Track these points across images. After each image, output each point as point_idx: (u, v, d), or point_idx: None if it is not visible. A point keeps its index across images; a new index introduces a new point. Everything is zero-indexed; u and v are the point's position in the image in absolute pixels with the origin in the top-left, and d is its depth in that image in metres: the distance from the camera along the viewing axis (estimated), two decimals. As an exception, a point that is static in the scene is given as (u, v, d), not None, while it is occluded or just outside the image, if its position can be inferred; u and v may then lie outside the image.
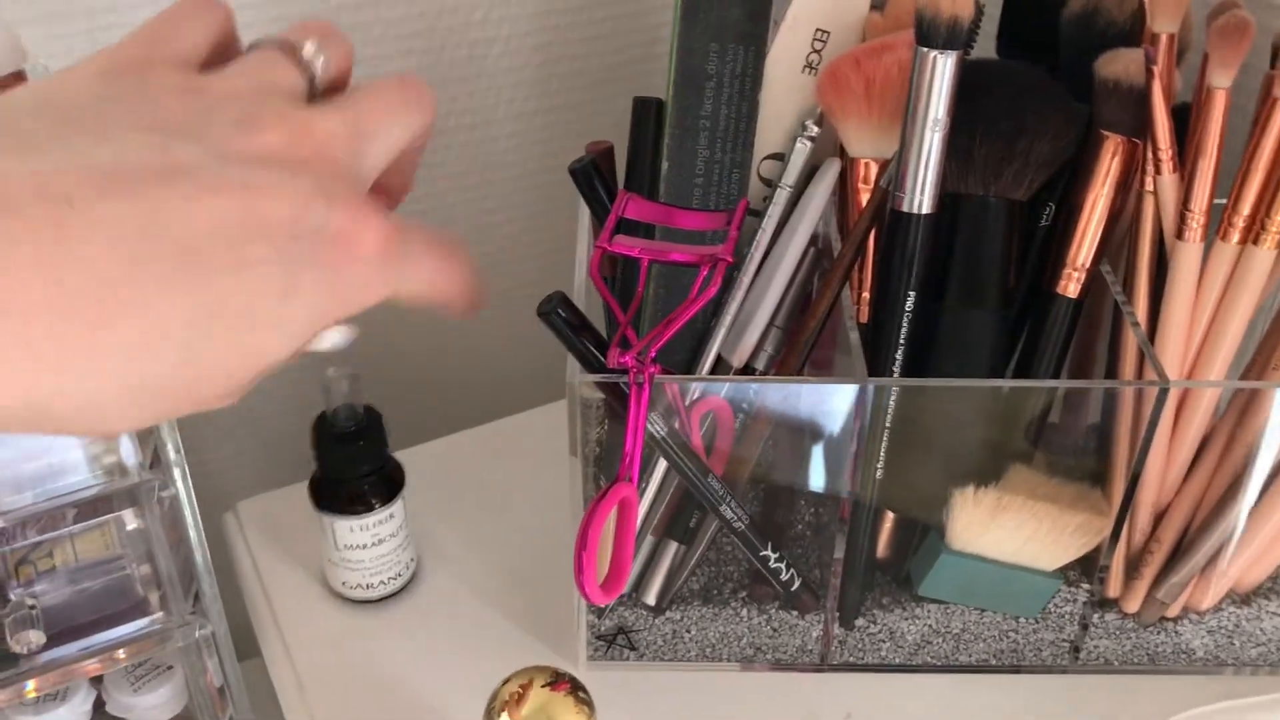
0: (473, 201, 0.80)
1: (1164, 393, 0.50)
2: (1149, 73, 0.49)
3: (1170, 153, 0.50)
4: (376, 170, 0.31)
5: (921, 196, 0.50)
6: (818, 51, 0.55)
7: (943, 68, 0.48)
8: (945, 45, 0.47)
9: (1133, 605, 0.57)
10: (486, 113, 0.77)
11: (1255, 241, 0.50)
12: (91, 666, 0.55)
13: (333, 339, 0.38)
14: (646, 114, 0.55)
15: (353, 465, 0.59)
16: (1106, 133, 0.51)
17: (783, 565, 0.55)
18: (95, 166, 0.25)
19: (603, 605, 0.53)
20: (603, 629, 0.57)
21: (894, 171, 0.51)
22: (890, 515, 0.57)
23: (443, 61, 0.73)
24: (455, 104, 0.75)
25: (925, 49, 0.48)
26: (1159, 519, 0.55)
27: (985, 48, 0.60)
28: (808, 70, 0.55)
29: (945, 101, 0.48)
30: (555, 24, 0.75)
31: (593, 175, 0.55)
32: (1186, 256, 0.50)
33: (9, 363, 0.23)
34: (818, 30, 0.55)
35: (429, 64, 0.73)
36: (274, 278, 0.27)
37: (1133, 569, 0.56)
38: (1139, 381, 0.52)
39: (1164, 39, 0.50)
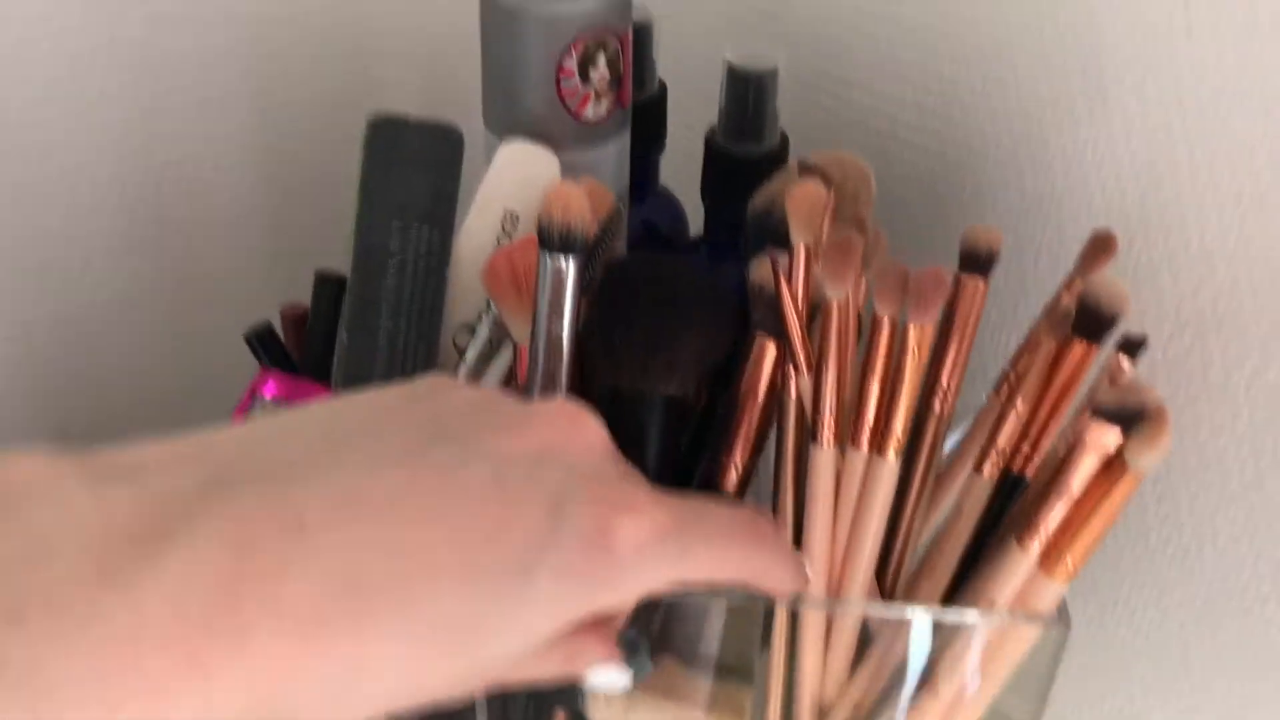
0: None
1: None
2: (777, 280, 0.49)
3: (804, 355, 0.50)
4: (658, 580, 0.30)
5: (552, 392, 0.50)
6: (508, 233, 0.56)
7: (563, 270, 0.49)
8: (562, 249, 0.48)
9: (790, 809, 0.56)
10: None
11: (880, 450, 0.49)
12: None
13: (607, 679, 0.36)
14: (325, 289, 0.56)
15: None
16: (758, 332, 0.52)
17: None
18: (340, 491, 0.26)
19: None
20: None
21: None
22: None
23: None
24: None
25: (545, 251, 0.48)
26: (822, 721, 0.54)
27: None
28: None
29: (569, 302, 0.49)
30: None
31: (267, 343, 0.56)
32: (821, 462, 0.50)
33: (242, 671, 0.24)
34: (506, 212, 0.56)
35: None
36: (508, 586, 0.26)
37: (793, 772, 0.55)
38: (751, 599, 0.51)
39: (800, 248, 0.50)
